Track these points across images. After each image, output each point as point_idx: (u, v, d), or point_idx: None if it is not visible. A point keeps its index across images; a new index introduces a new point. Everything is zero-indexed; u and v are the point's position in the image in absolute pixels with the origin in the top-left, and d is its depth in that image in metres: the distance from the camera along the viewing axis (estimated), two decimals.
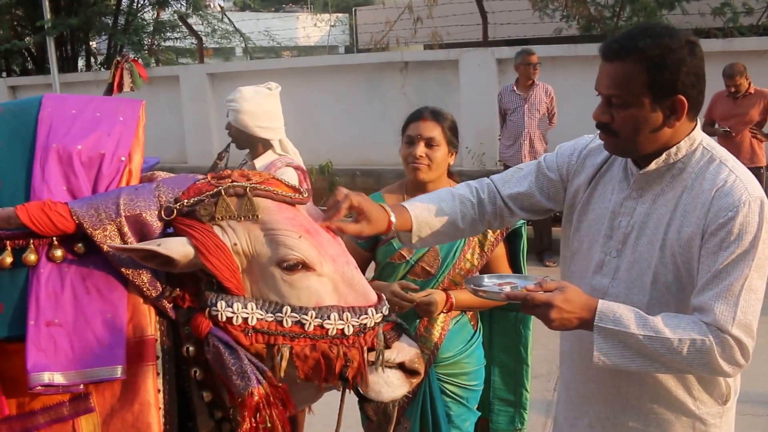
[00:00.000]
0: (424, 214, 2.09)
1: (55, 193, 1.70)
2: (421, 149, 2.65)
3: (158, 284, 1.66)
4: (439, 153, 2.67)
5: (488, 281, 1.99)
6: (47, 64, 12.69)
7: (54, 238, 1.63)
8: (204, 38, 13.80)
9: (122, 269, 1.64)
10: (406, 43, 12.90)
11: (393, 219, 1.99)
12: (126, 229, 1.64)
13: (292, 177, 3.49)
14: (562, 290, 1.75)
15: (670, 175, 1.86)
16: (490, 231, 2.67)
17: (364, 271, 2.74)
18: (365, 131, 10.46)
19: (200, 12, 14.10)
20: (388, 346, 1.73)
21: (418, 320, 2.69)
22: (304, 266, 1.70)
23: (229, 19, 15.29)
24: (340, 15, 22.27)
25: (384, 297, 1.81)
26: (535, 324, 2.69)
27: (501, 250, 2.77)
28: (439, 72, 9.94)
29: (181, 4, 14.39)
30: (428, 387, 2.69)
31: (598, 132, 1.90)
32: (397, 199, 2.71)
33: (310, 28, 21.10)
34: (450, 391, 2.74)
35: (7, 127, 1.80)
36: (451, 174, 2.82)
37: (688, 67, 1.75)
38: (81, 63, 14.62)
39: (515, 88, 7.61)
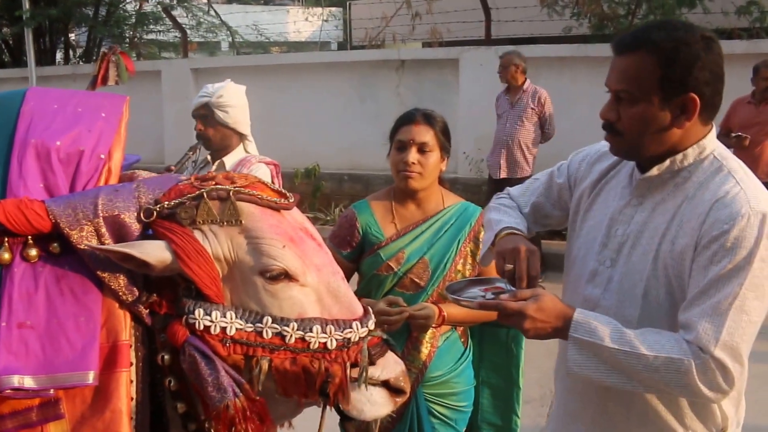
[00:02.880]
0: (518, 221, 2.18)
1: (32, 190, 1.73)
2: (413, 155, 2.66)
3: (135, 289, 1.69)
4: (432, 159, 2.68)
5: (473, 288, 2.01)
6: (25, 56, 12.70)
7: (29, 237, 1.66)
8: (189, 31, 13.81)
9: (98, 271, 1.66)
10: (403, 40, 12.93)
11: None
12: (104, 230, 1.67)
13: (265, 174, 3.62)
14: (536, 299, 1.78)
15: (674, 184, 1.86)
16: (482, 240, 2.67)
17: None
18: (356, 134, 10.47)
19: (185, 3, 14.12)
20: (372, 363, 1.74)
21: (406, 336, 2.69)
22: (287, 276, 1.72)
23: (215, 11, 15.30)
24: (333, 9, 22.28)
25: (370, 310, 1.83)
26: (529, 343, 2.73)
27: (491, 265, 2.76)
28: (437, 71, 9.97)
29: None
30: (415, 407, 2.69)
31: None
32: (385, 208, 2.75)
33: (301, 22, 21.11)
34: (438, 412, 2.75)
35: None
36: (442, 181, 2.84)
37: (703, 63, 1.75)
38: (60, 56, 14.62)
39: (506, 92, 7.63)
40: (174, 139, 11.66)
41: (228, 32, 15.38)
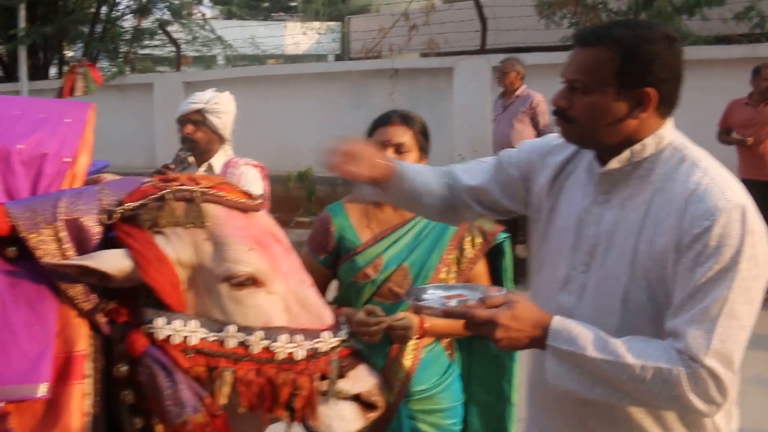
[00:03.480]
0: (411, 177, 2.09)
1: None
2: (390, 157, 2.57)
3: (93, 296, 1.62)
4: (410, 159, 2.55)
5: (432, 293, 1.87)
6: (19, 72, 12.73)
7: None
8: (184, 46, 13.84)
9: (56, 278, 1.59)
10: (399, 51, 12.93)
11: (394, 169, 2.04)
12: (63, 234, 1.60)
13: (254, 176, 3.77)
14: (510, 306, 1.66)
15: (637, 176, 1.77)
16: (468, 247, 2.61)
17: (324, 291, 2.68)
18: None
19: (182, 20, 14.15)
20: (342, 375, 1.66)
21: (387, 349, 2.57)
22: (254, 282, 1.65)
23: (209, 25, 15.33)
24: (331, 23, 22.36)
25: (342, 319, 1.75)
26: (523, 355, 2.57)
27: (482, 268, 2.65)
28: (431, 80, 9.94)
29: (163, 12, 14.45)
30: (398, 425, 2.57)
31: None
32: (361, 211, 2.65)
33: (298, 36, 21.17)
34: (423, 430, 2.61)
35: None
36: None
37: (663, 61, 1.71)
38: (54, 71, 14.64)
39: (501, 96, 7.80)
40: (165, 149, 11.55)
41: (223, 46, 15.38)
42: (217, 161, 3.90)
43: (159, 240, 1.64)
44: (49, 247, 1.60)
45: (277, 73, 11.88)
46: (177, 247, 1.65)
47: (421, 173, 2.12)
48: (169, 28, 13.32)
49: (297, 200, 10.03)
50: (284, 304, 1.68)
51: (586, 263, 1.82)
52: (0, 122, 1.80)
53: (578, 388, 1.66)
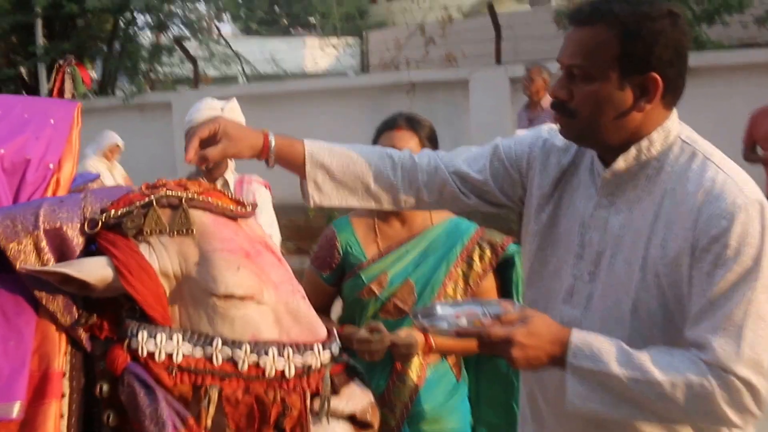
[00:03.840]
0: (322, 152, 1.88)
1: None
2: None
3: (74, 309, 1.53)
4: None
5: (441, 311, 1.76)
6: (40, 91, 12.83)
7: None
8: (203, 64, 13.89)
9: (35, 290, 1.51)
10: (417, 65, 12.90)
11: (271, 138, 1.84)
12: (43, 243, 1.52)
13: (267, 196, 3.65)
14: (526, 322, 1.57)
15: (645, 177, 1.65)
16: (476, 260, 2.50)
17: (329, 310, 2.59)
18: None
19: (199, 37, 14.22)
20: (336, 393, 1.56)
21: (390, 367, 2.47)
22: (241, 296, 1.55)
23: (225, 41, 15.39)
24: (350, 39, 22.42)
25: (334, 333, 1.65)
26: None
27: (490, 283, 2.54)
28: (448, 93, 9.87)
29: (180, 28, 14.53)
30: None
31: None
32: (367, 225, 2.56)
33: (317, 53, 21.23)
34: None
35: None
36: None
37: (668, 40, 1.59)
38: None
39: (525, 109, 7.38)
40: (186, 168, 11.53)
41: (242, 64, 15.39)
42: (231, 177, 3.69)
43: (143, 249, 1.56)
44: (29, 257, 1.52)
45: (295, 89, 11.84)
46: (162, 257, 1.56)
47: (356, 149, 1.94)
48: (188, 46, 13.35)
49: (317, 229, 9.97)
50: (274, 315, 1.59)
51: (592, 272, 1.71)
52: None
53: (602, 408, 1.55)
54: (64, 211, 1.56)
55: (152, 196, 1.57)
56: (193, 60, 12.60)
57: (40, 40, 12.38)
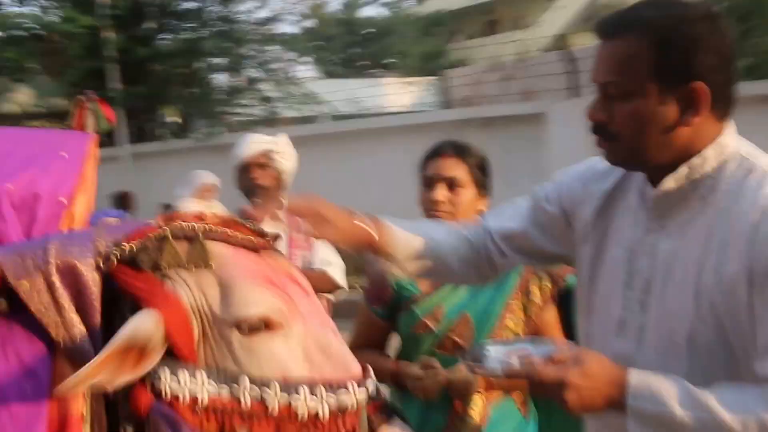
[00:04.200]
0: (407, 237, 1.83)
1: None
2: (440, 192, 2.34)
3: (92, 351, 1.43)
4: (465, 196, 2.35)
5: (492, 350, 1.63)
6: (118, 135, 13.21)
7: None
8: (281, 106, 14.11)
9: (51, 330, 1.43)
10: (495, 100, 12.84)
11: (374, 234, 1.78)
12: (54, 278, 1.44)
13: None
14: (579, 362, 1.43)
15: (698, 197, 1.50)
16: (535, 291, 2.36)
17: (385, 345, 2.47)
18: None
19: (274, 76, 14.47)
20: None
21: (448, 406, 2.32)
22: (267, 326, 1.46)
23: (297, 81, 15.59)
24: (429, 78, 22.54)
25: (369, 370, 1.53)
26: None
27: (552, 315, 2.40)
28: (526, 127, 9.76)
29: (257, 70, 14.82)
30: None
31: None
32: None
33: (397, 92, 21.39)
34: None
35: None
36: None
37: (708, 45, 1.43)
38: (154, 132, 15.18)
39: None
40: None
41: (322, 104, 15.57)
42: (282, 212, 3.49)
43: (164, 282, 1.47)
44: (42, 295, 1.45)
45: (372, 126, 11.87)
46: (182, 291, 1.47)
47: (425, 229, 1.89)
48: (265, 87, 13.60)
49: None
50: (304, 351, 1.48)
51: (642, 302, 1.56)
52: None
53: None
54: (75, 246, 1.49)
55: (167, 229, 1.49)
56: (267, 100, 12.82)
57: (115, 84, 12.73)
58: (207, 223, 1.53)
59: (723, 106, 1.48)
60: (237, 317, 1.45)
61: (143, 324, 1.38)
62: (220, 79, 15.54)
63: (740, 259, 1.39)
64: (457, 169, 2.36)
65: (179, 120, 14.93)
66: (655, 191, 1.54)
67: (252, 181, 3.48)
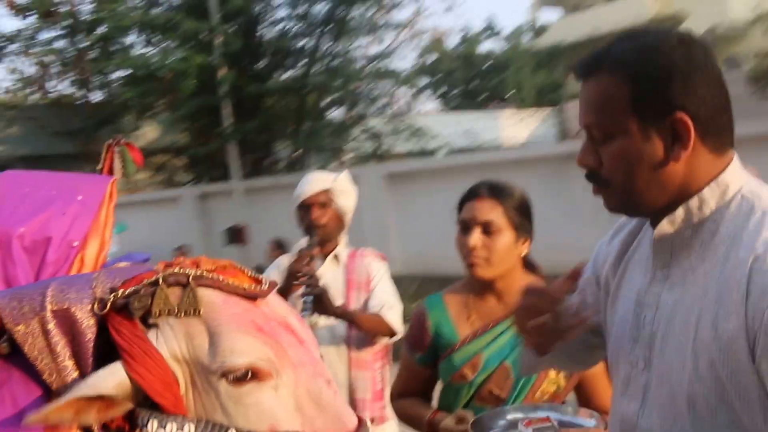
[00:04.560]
0: None
1: None
2: (475, 238, 2.23)
3: None
4: (502, 241, 2.23)
5: (510, 416, 1.53)
6: (230, 171, 13.62)
7: None
8: (392, 140, 14.21)
9: (45, 377, 1.42)
10: None
11: None
12: (51, 326, 1.43)
13: (384, 270, 3.45)
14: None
15: (700, 242, 1.36)
16: None
17: (427, 393, 2.36)
18: (553, 234, 9.93)
19: (385, 112, 14.61)
20: None
21: None
22: (255, 375, 1.40)
23: (413, 117, 15.70)
24: (546, 111, 22.25)
25: (366, 422, 1.46)
26: None
27: (598, 367, 2.18)
28: None
29: (370, 105, 15.00)
30: None
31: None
32: (461, 302, 2.33)
33: (514, 125, 21.23)
34: None
35: None
36: (531, 267, 2.37)
37: (686, 72, 1.31)
38: (266, 167, 15.57)
39: None
40: (374, 243, 11.78)
41: (433, 138, 15.58)
42: (343, 251, 3.53)
43: (151, 332, 1.44)
44: (37, 340, 1.44)
45: (488, 159, 11.76)
46: (169, 340, 1.44)
47: None
48: (377, 122, 13.73)
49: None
50: (295, 402, 1.42)
51: (647, 358, 1.42)
52: (5, 202, 1.70)
53: None
54: (73, 291, 1.48)
55: (160, 275, 1.46)
56: (376, 136, 12.93)
57: (227, 120, 13.11)
58: (200, 269, 1.49)
59: (716, 138, 1.36)
60: (223, 367, 1.40)
61: (105, 381, 1.36)
62: (333, 114, 15.82)
63: (737, 313, 1.24)
64: (492, 213, 2.25)
65: (292, 155, 15.25)
66: (653, 236, 1.43)
67: (311, 220, 3.42)
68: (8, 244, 1.61)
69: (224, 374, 1.40)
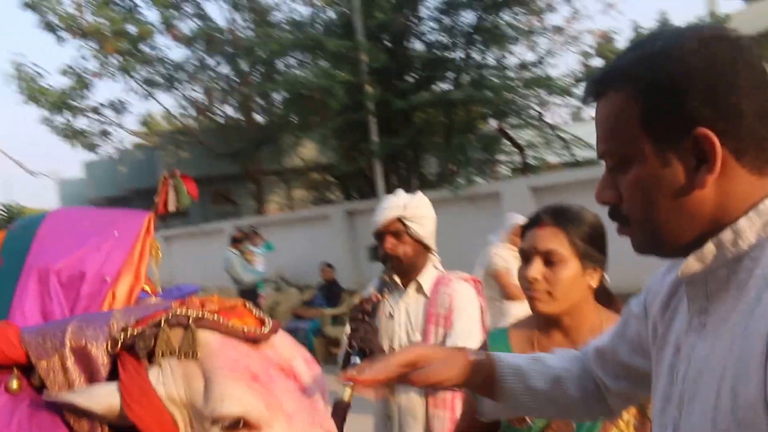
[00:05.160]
0: (514, 360, 1.60)
1: (29, 317, 1.66)
2: (535, 269, 2.02)
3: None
4: (566, 273, 2.00)
5: None
6: (377, 187, 13.74)
7: (15, 368, 1.54)
8: (540, 151, 13.89)
9: (65, 411, 1.49)
10: None
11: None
12: (69, 362, 1.50)
13: (469, 294, 3.20)
14: None
15: (736, 283, 1.11)
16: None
17: None
18: None
19: (534, 122, 14.31)
20: None
21: None
22: (246, 425, 1.40)
23: (551, 126, 15.18)
24: None
25: None
26: None
27: None
28: None
29: (519, 117, 14.71)
30: None
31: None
32: (526, 338, 2.16)
33: None
34: None
35: (14, 244, 1.85)
36: (607, 299, 2.14)
37: (707, 78, 1.08)
38: (415, 183, 15.61)
39: None
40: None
41: (577, 146, 15.03)
42: (426, 279, 3.28)
43: (153, 371, 1.47)
44: (57, 376, 1.52)
45: None
46: (168, 381, 1.47)
47: (544, 360, 1.61)
48: (527, 134, 13.44)
49: None
50: None
51: (675, 420, 1.21)
52: (50, 238, 1.77)
53: None
54: (91, 329, 1.54)
55: (163, 316, 1.49)
56: (519, 147, 12.66)
57: (374, 136, 13.20)
58: (203, 311, 1.50)
59: (758, 155, 1.10)
60: (213, 414, 1.41)
61: (100, 399, 1.42)
62: (481, 127, 15.61)
63: (757, 378, 0.99)
64: (554, 241, 2.03)
65: (440, 170, 15.19)
66: (680, 277, 1.20)
67: (385, 251, 3.25)
68: (47, 278, 1.68)
69: (215, 421, 1.41)
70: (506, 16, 14.30)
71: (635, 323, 1.46)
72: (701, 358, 1.15)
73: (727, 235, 1.11)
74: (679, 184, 1.12)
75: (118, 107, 20.68)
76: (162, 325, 1.48)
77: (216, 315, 1.50)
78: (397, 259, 3.23)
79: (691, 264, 1.15)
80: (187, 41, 18.67)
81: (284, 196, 23.45)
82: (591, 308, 2.10)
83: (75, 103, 19.64)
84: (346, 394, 1.82)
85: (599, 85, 1.20)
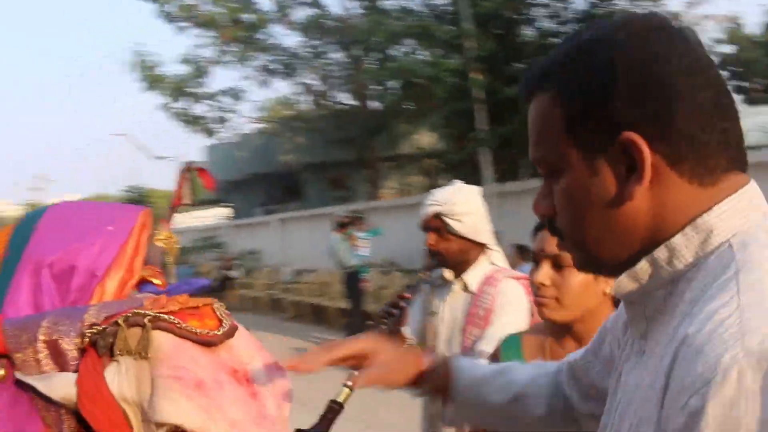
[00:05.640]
0: (475, 371, 1.52)
1: (22, 309, 1.68)
2: (543, 274, 1.93)
3: (63, 426, 1.49)
4: (576, 278, 1.89)
5: None
6: (483, 174, 13.59)
7: (1, 357, 1.57)
8: None
9: (34, 399, 1.51)
10: None
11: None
12: (41, 355, 1.53)
13: (516, 292, 3.01)
14: None
15: (672, 307, 0.97)
16: None
17: None
18: None
19: None
20: None
21: None
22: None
23: None
24: None
25: None
26: None
27: None
28: None
29: None
30: None
31: None
32: (538, 345, 2.08)
33: None
34: None
35: (18, 236, 1.90)
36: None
37: (635, 73, 0.95)
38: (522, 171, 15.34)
39: None
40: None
41: None
42: (474, 276, 3.12)
43: (111, 370, 1.47)
44: (32, 370, 1.54)
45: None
46: (123, 381, 1.47)
47: (512, 374, 1.52)
48: None
49: None
50: None
51: None
52: (47, 231, 1.79)
53: None
54: (64, 323, 1.55)
55: (122, 315, 1.49)
56: None
57: (482, 124, 13.02)
58: (161, 311, 1.49)
59: (699, 161, 0.96)
60: (154, 418, 1.41)
61: (59, 388, 1.44)
62: None
63: (653, 415, 0.89)
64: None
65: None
66: (615, 294, 1.07)
67: (427, 246, 3.15)
68: (39, 272, 1.70)
69: (157, 424, 1.40)
70: (621, 2, 13.74)
71: (609, 341, 1.35)
72: (631, 388, 1.03)
73: (661, 252, 0.98)
74: (608, 195, 0.99)
75: (235, 94, 21.26)
76: (120, 324, 1.47)
77: (172, 316, 1.49)
78: (440, 255, 3.13)
79: (624, 283, 1.03)
80: (301, 29, 18.98)
81: (399, 182, 23.53)
82: (607, 315, 1.95)
83: (193, 90, 20.31)
84: (343, 394, 1.79)
85: (528, 85, 1.09)
